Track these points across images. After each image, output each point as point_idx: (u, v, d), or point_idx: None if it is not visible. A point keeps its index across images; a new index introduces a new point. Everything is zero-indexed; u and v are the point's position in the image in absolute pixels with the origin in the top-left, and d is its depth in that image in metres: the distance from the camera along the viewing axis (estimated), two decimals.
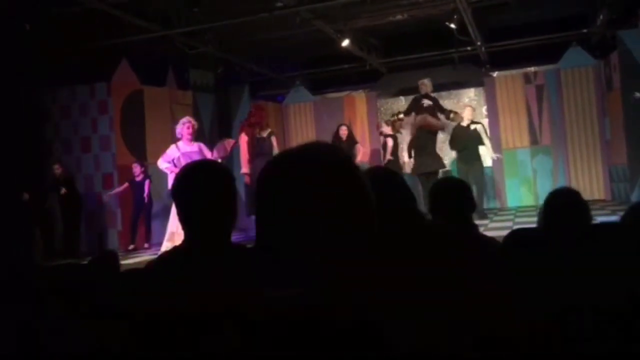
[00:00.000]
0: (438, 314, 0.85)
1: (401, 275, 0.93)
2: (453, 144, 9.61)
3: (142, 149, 9.91)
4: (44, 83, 9.60)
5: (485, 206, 9.62)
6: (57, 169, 9.13)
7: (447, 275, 0.97)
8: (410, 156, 9.63)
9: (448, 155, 11.37)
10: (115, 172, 9.64)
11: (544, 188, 9.27)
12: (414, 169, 9.45)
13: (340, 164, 0.95)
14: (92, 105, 9.82)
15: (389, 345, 0.83)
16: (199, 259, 1.61)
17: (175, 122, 7.96)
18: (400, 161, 9.92)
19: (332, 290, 0.89)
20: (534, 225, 2.64)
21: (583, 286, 1.83)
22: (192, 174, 1.73)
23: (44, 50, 8.45)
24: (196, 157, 6.78)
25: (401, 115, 10.95)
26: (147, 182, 9.34)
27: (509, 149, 11.28)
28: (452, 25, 9.40)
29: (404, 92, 11.88)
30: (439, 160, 9.45)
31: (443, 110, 10.65)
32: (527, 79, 11.36)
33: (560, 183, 10.32)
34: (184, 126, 7.19)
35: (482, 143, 9.51)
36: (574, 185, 10.37)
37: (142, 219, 9.47)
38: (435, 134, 9.55)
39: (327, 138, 10.35)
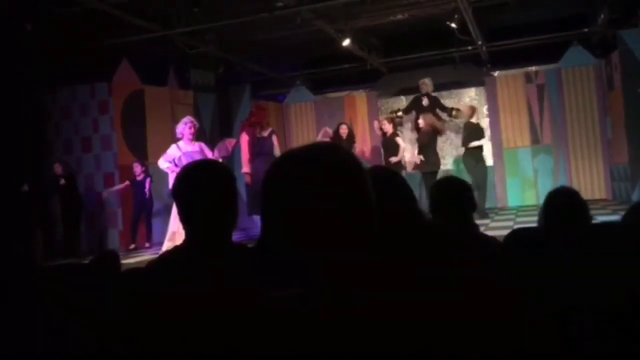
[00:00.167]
0: (438, 313, 0.85)
1: (401, 275, 0.93)
2: (470, 139, 9.46)
3: (143, 149, 9.92)
4: (45, 83, 9.60)
5: (486, 205, 9.61)
6: (58, 168, 9.14)
7: (448, 275, 0.97)
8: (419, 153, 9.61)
9: (449, 155, 11.40)
10: (117, 171, 9.65)
11: (545, 187, 9.25)
12: (420, 167, 9.45)
13: (341, 164, 0.95)
14: (92, 105, 9.82)
15: (389, 346, 0.83)
16: (200, 259, 1.61)
17: (176, 121, 7.96)
18: (402, 161, 9.91)
19: (332, 290, 0.89)
20: (534, 225, 2.64)
21: (584, 286, 1.83)
22: (193, 174, 1.73)
23: (44, 50, 8.45)
24: (197, 157, 6.78)
25: (400, 113, 10.96)
26: (148, 180, 9.35)
27: (510, 148, 11.28)
28: (453, 25, 9.39)
29: (404, 92, 11.88)
30: (439, 160, 9.57)
31: (445, 108, 10.67)
32: (528, 78, 11.36)
33: (561, 182, 10.32)
34: (186, 126, 7.18)
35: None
36: (575, 184, 10.37)
37: (143, 219, 9.48)
38: (438, 134, 9.63)
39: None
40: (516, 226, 7.01)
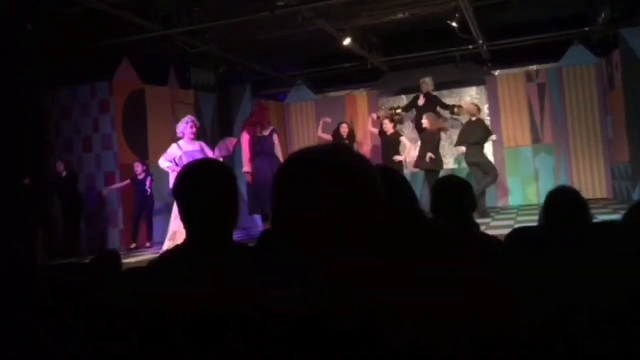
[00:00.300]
0: (439, 313, 0.85)
1: (402, 275, 0.93)
2: (470, 138, 9.40)
3: (143, 148, 9.93)
4: (45, 83, 9.60)
5: (487, 205, 9.60)
6: (59, 166, 9.15)
7: (448, 275, 0.97)
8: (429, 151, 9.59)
9: (450, 154, 11.39)
10: (117, 171, 9.66)
11: (546, 187, 9.25)
12: (428, 165, 9.43)
13: (341, 164, 0.95)
14: (93, 104, 9.83)
15: (390, 345, 0.83)
16: (201, 258, 1.61)
17: (176, 121, 7.97)
18: (404, 160, 9.91)
19: (332, 290, 0.89)
20: (535, 224, 2.64)
21: (584, 285, 1.83)
22: (193, 173, 1.73)
23: (45, 50, 8.45)
24: (198, 156, 6.77)
25: (399, 110, 10.96)
26: (148, 180, 9.36)
27: (511, 147, 11.28)
28: (454, 24, 9.37)
29: (405, 91, 11.87)
30: (442, 160, 9.59)
31: (446, 106, 10.66)
32: (529, 77, 11.35)
33: (563, 182, 10.32)
34: (188, 125, 7.19)
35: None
36: (576, 183, 10.37)
37: (144, 218, 9.48)
38: (443, 132, 9.67)
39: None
40: (517, 225, 7.00)
